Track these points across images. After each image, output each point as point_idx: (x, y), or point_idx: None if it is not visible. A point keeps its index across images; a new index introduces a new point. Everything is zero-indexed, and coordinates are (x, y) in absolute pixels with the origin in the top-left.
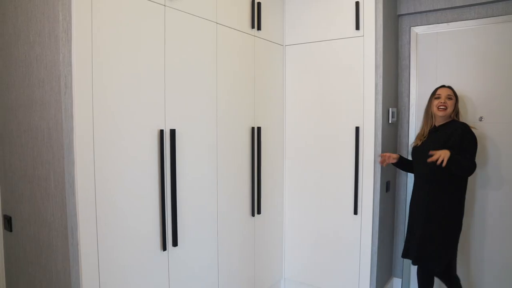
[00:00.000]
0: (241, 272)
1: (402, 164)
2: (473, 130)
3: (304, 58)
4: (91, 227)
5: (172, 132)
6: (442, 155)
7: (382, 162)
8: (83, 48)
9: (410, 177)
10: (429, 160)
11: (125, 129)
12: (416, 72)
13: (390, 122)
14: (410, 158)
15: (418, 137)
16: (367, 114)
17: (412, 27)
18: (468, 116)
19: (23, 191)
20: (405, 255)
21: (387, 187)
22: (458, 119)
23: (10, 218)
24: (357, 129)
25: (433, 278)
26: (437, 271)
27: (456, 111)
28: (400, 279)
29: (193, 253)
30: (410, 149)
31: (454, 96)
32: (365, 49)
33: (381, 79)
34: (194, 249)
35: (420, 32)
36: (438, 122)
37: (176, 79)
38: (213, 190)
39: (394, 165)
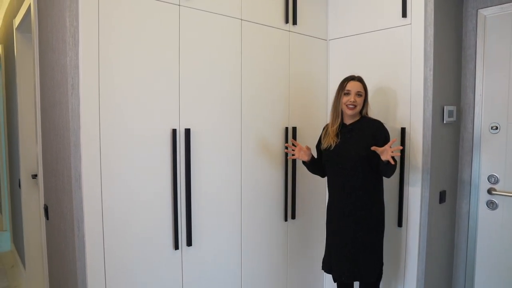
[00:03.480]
0: (270, 279)
1: (312, 163)
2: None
3: (349, 52)
4: (97, 221)
5: (187, 132)
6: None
7: (291, 153)
8: (90, 51)
9: (474, 187)
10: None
11: (133, 128)
12: (484, 63)
13: (445, 122)
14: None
15: (328, 137)
16: (415, 113)
17: (479, 10)
18: None
19: (52, 184)
20: (328, 270)
21: (441, 198)
22: (367, 114)
23: (47, 207)
24: (402, 130)
25: (352, 285)
26: (373, 280)
27: (366, 105)
28: None
29: (211, 254)
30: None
31: (364, 91)
32: (412, 38)
33: (431, 73)
34: (212, 250)
35: (489, 14)
36: (347, 120)
37: (192, 78)
38: (236, 192)
39: (304, 164)
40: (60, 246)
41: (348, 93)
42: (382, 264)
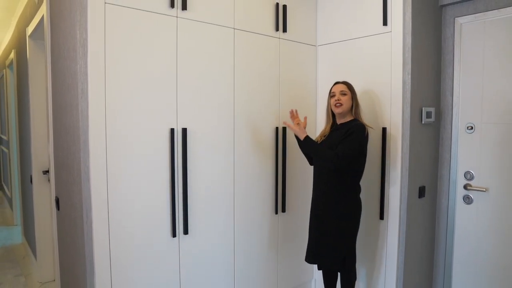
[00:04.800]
0: (261, 268)
1: None
2: (369, 129)
3: (336, 57)
4: (103, 210)
5: (184, 131)
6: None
7: (292, 117)
8: (97, 59)
9: (452, 183)
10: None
11: (135, 127)
12: (460, 67)
13: (423, 122)
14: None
15: (320, 134)
16: (395, 114)
17: (456, 18)
18: None
19: (63, 177)
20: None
21: (420, 193)
22: (360, 116)
23: (58, 199)
24: (383, 130)
25: (336, 274)
26: (335, 268)
27: (355, 106)
28: None
29: (205, 243)
30: (454, 150)
31: (349, 91)
32: (392, 45)
33: (409, 77)
34: (207, 239)
35: (464, 22)
36: (340, 120)
37: (189, 82)
38: (229, 186)
39: (296, 138)
40: (70, 234)
41: (333, 95)
42: (345, 253)
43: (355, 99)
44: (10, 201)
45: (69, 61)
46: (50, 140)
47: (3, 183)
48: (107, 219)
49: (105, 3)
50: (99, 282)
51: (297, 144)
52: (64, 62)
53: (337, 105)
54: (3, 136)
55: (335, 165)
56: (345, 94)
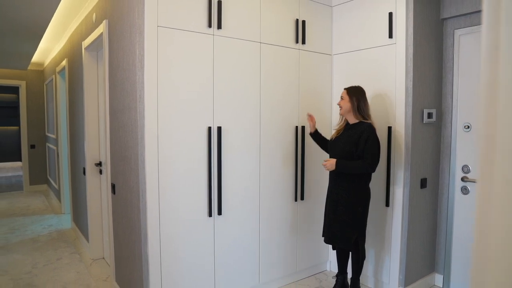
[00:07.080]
0: (282, 247)
1: (318, 138)
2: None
3: (348, 65)
4: (155, 192)
5: (219, 128)
6: (328, 166)
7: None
8: (152, 71)
9: (452, 175)
10: (324, 164)
11: (181, 125)
12: (459, 73)
13: (424, 122)
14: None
15: (336, 130)
16: (399, 115)
17: (455, 30)
18: None
19: (120, 167)
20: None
21: (422, 184)
22: (368, 114)
23: (114, 185)
24: (389, 128)
25: (348, 253)
26: (348, 248)
27: (357, 106)
28: (442, 275)
29: (235, 222)
30: (454, 147)
31: (346, 95)
32: (396, 55)
33: (411, 83)
34: (236, 220)
35: (462, 34)
36: (350, 121)
37: (223, 88)
38: (255, 176)
39: (311, 136)
40: (125, 213)
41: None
42: (356, 235)
43: (355, 100)
44: (57, 192)
45: (128, 73)
46: (107, 136)
47: (49, 177)
48: (158, 199)
49: (157, 26)
50: (151, 250)
51: (314, 142)
52: (123, 73)
53: (339, 108)
54: (50, 135)
55: (371, 170)
56: (342, 98)
